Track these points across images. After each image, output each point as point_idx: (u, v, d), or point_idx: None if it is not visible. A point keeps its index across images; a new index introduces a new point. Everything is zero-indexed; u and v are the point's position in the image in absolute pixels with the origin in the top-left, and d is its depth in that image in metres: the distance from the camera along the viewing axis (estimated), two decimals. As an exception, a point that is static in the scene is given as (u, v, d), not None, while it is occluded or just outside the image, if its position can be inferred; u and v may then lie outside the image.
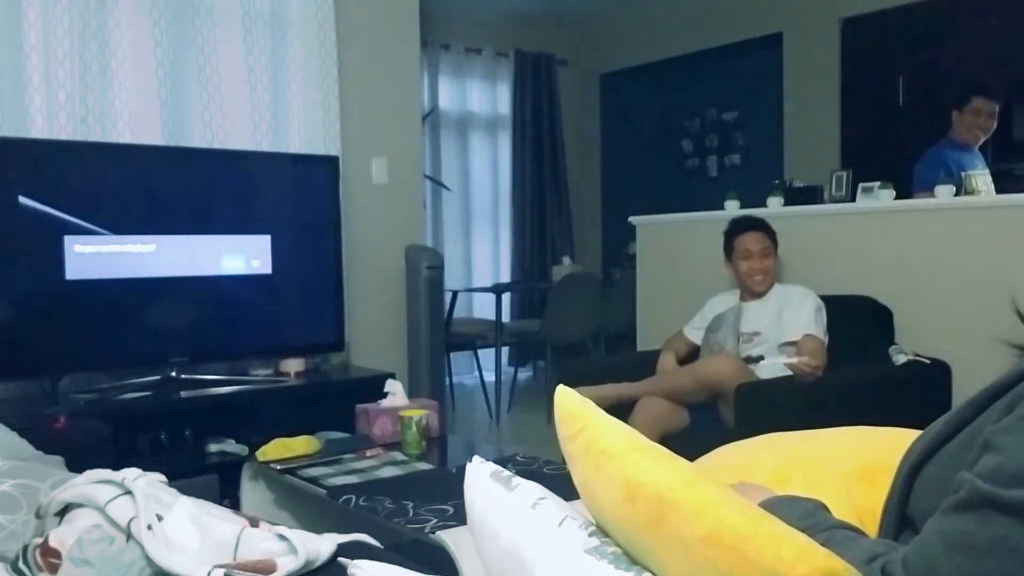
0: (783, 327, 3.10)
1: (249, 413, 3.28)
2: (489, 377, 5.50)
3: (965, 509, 0.73)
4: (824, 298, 3.14)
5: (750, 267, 3.20)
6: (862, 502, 1.09)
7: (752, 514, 0.78)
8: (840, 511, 1.00)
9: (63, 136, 3.17)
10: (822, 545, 0.77)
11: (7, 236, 2.88)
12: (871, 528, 0.98)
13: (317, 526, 1.61)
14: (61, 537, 1.27)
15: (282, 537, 1.32)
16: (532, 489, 1.00)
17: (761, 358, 3.07)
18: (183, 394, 3.14)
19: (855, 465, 1.17)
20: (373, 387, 3.03)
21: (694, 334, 3.36)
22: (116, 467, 1.39)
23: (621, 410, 2.93)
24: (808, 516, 0.91)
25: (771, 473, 1.20)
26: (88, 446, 2.49)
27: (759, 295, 3.22)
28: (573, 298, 5.19)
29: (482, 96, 6.67)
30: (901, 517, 0.92)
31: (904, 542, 0.85)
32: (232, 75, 3.62)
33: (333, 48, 3.83)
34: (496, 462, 1.07)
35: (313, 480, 2.33)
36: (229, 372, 3.42)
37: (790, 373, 2.90)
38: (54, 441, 1.92)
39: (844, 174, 3.76)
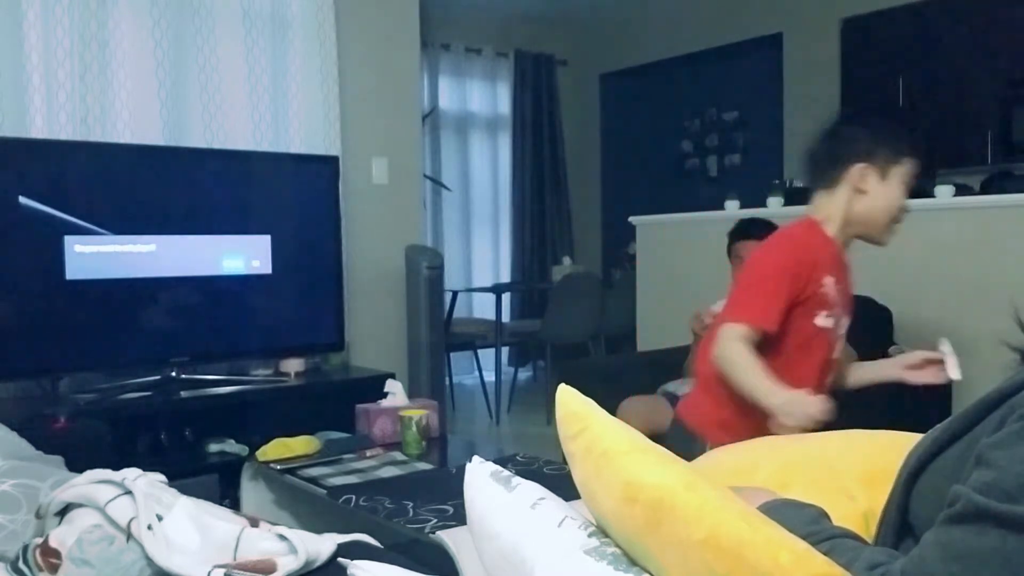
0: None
1: (249, 413, 3.28)
2: (489, 377, 5.49)
3: (962, 521, 0.74)
4: (824, 298, 3.14)
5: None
6: (864, 506, 1.08)
7: (751, 519, 0.78)
8: (841, 514, 1.00)
9: (63, 136, 3.17)
10: (825, 554, 0.77)
11: (7, 236, 2.88)
12: (873, 532, 0.98)
13: (317, 526, 1.61)
14: (61, 537, 1.27)
15: (282, 537, 1.32)
16: (532, 489, 1.00)
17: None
18: (183, 394, 3.14)
19: (858, 469, 1.17)
20: (373, 387, 3.03)
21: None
22: (116, 467, 1.39)
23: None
24: (811, 523, 0.91)
25: (772, 476, 1.19)
26: (88, 446, 2.49)
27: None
28: (573, 298, 5.19)
29: (482, 96, 6.67)
30: (901, 523, 0.92)
31: (905, 550, 0.85)
32: (232, 75, 3.62)
33: (333, 48, 3.83)
34: (496, 462, 1.06)
35: (313, 480, 2.33)
36: (229, 372, 3.42)
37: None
38: (54, 441, 1.91)
39: (844, 174, 3.75)
